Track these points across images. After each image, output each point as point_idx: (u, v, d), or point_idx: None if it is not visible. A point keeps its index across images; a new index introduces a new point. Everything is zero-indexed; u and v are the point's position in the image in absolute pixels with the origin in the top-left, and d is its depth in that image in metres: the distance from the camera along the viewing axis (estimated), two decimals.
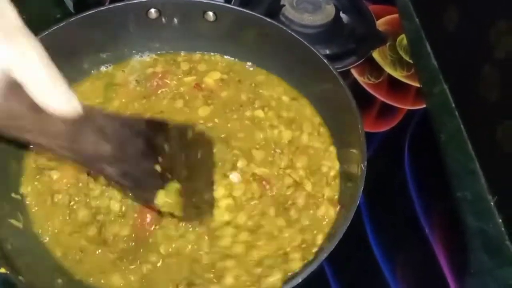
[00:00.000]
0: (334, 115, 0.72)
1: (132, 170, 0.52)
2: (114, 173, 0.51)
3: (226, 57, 0.80)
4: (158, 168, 0.55)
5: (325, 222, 0.64)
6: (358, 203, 0.58)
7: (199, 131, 0.64)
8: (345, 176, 0.68)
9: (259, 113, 0.73)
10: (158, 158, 0.55)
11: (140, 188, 0.55)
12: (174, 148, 0.57)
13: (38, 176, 0.66)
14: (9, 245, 0.60)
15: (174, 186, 0.56)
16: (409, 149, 0.80)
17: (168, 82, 0.76)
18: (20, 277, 0.54)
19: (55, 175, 0.66)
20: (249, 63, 0.79)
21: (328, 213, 0.65)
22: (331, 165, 0.70)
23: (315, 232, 0.63)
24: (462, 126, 0.85)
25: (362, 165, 0.60)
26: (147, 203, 0.57)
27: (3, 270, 0.54)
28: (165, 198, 0.56)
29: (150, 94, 0.75)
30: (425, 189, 0.76)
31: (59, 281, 0.59)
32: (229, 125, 0.72)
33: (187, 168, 0.59)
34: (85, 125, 0.42)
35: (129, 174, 0.52)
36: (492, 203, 0.77)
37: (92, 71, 0.76)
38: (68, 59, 0.71)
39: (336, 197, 0.67)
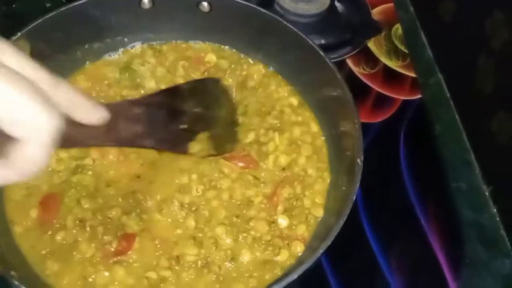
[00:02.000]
0: (328, 109, 0.71)
1: (163, 136, 0.62)
2: (150, 144, 0.60)
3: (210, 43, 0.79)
4: (184, 126, 0.65)
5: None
6: (355, 198, 0.57)
7: (213, 82, 0.74)
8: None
9: (276, 138, 0.70)
10: (181, 118, 0.65)
11: (174, 146, 0.65)
12: (194, 105, 0.67)
13: None
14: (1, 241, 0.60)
15: (203, 135, 0.66)
16: (405, 139, 0.80)
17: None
18: (12, 272, 0.53)
19: None
20: (248, 58, 0.78)
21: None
22: (315, 199, 0.67)
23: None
24: (457, 116, 0.85)
25: (358, 160, 0.59)
26: (185, 153, 0.66)
27: None
28: (197, 147, 0.65)
29: None
30: (420, 180, 0.76)
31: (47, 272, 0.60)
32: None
33: (210, 117, 0.69)
34: (116, 120, 0.51)
35: (162, 140, 0.62)
36: (487, 194, 0.77)
37: (86, 61, 0.75)
38: (60, 48, 0.71)
39: (307, 235, 0.65)
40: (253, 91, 0.75)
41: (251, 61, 0.78)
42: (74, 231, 0.62)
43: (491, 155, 0.78)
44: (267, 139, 0.70)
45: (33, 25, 0.66)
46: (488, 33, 0.78)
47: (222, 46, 0.79)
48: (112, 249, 0.61)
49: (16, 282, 0.52)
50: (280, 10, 0.89)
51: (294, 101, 0.75)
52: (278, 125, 0.72)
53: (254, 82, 0.76)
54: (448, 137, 0.82)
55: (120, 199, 0.65)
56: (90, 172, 0.66)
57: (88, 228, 0.62)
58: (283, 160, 0.69)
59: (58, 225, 0.62)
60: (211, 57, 0.77)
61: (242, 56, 0.78)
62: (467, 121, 0.84)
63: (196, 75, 0.75)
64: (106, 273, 0.60)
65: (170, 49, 0.78)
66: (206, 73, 0.76)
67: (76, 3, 0.69)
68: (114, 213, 0.63)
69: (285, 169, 0.69)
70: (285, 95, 0.76)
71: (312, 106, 0.75)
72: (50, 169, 0.66)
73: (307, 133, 0.72)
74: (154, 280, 0.60)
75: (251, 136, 0.70)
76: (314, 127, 0.73)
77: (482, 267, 0.71)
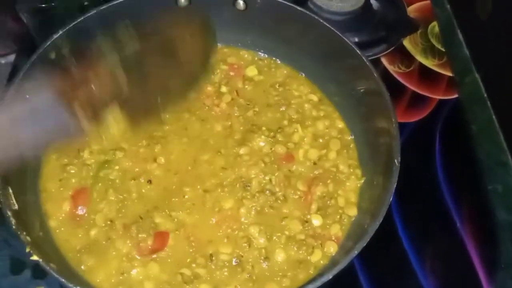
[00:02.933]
0: (361, 107, 0.71)
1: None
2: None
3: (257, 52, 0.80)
4: (78, 108, 0.48)
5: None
6: (390, 200, 0.57)
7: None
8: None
9: (297, 129, 0.71)
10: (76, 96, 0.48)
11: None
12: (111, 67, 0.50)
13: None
14: (40, 233, 0.62)
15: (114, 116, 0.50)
16: (440, 139, 0.79)
17: None
18: (52, 264, 0.55)
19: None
20: (276, 59, 0.79)
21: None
22: (348, 197, 0.67)
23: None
24: (494, 117, 0.83)
25: (396, 160, 0.59)
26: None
27: (35, 258, 0.55)
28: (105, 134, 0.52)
29: None
30: (456, 181, 0.75)
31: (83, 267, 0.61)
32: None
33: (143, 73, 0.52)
34: None
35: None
36: None
37: None
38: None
39: (340, 234, 0.64)
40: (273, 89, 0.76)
41: (279, 62, 0.79)
42: (105, 229, 0.63)
43: None
44: (292, 130, 0.71)
45: (73, 24, 0.68)
46: None
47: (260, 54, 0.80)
48: (148, 246, 0.62)
49: (55, 275, 0.53)
50: (313, 7, 0.89)
51: (314, 97, 0.75)
52: (298, 117, 0.73)
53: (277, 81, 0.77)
54: (484, 138, 0.81)
55: (148, 197, 0.65)
56: (117, 167, 0.67)
57: (120, 227, 0.63)
58: (312, 153, 0.69)
59: (91, 221, 0.64)
60: (253, 71, 0.78)
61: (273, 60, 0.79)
62: (504, 121, 0.82)
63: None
64: (142, 269, 0.61)
65: None
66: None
67: (114, 2, 0.71)
68: (145, 212, 0.64)
69: (316, 164, 0.69)
70: (304, 92, 0.76)
71: (340, 105, 0.74)
72: (83, 159, 0.68)
73: (331, 128, 0.73)
74: (188, 276, 0.60)
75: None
76: (340, 124, 0.73)
77: None
